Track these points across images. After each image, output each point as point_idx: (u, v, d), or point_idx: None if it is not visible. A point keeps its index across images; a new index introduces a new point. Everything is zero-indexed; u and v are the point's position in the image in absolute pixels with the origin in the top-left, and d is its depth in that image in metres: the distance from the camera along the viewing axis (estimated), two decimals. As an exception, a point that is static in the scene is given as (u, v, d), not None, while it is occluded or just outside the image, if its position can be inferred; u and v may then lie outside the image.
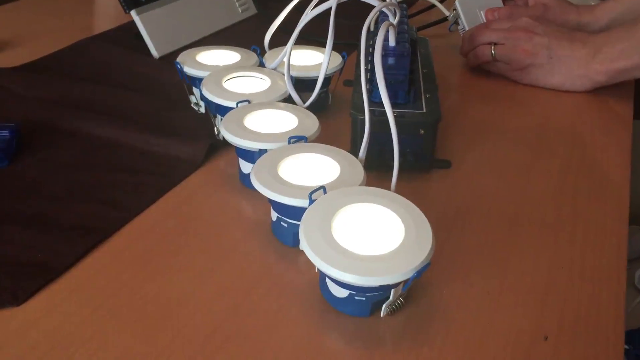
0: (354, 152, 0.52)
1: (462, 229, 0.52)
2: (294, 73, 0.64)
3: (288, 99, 0.61)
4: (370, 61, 0.59)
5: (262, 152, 0.51)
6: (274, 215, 0.49)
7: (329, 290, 0.42)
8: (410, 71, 0.58)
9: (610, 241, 0.51)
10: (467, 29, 0.88)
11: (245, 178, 0.56)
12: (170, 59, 0.82)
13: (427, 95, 0.60)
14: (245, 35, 0.92)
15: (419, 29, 0.94)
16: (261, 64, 0.69)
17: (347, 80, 0.76)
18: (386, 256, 0.39)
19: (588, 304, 0.44)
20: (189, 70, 0.66)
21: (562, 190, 0.58)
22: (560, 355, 0.40)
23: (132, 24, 0.84)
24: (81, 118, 0.65)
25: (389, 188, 0.46)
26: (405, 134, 0.55)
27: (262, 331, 0.41)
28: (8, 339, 0.39)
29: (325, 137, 0.54)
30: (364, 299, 0.41)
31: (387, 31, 0.54)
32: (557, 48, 0.76)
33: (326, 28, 0.58)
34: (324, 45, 0.60)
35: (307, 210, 0.42)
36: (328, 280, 0.42)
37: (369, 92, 0.57)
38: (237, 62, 0.69)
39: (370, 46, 0.61)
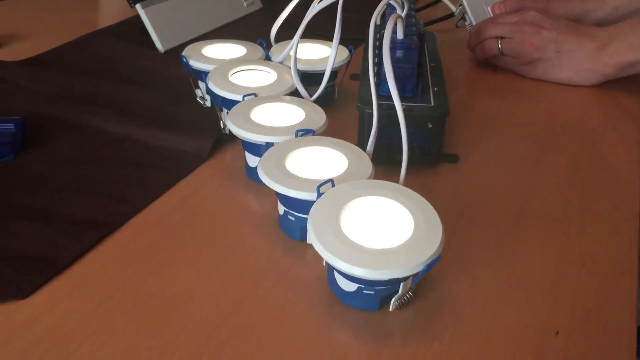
0: (361, 145, 0.52)
1: (470, 223, 0.51)
2: (300, 67, 0.64)
3: (294, 93, 0.61)
4: (377, 54, 0.58)
5: (268, 145, 0.51)
6: (281, 209, 0.48)
7: (337, 284, 0.42)
8: (417, 64, 0.57)
9: (621, 236, 0.50)
10: (474, 23, 0.87)
11: (251, 172, 0.55)
12: (175, 52, 0.82)
13: (435, 89, 0.60)
14: (251, 30, 0.92)
15: (426, 24, 0.94)
16: (267, 58, 0.68)
17: (353, 74, 0.76)
18: (395, 249, 0.38)
19: (599, 300, 0.44)
20: (194, 63, 0.66)
21: (571, 185, 0.57)
22: (571, 350, 0.40)
23: (137, 18, 0.84)
24: (86, 112, 0.65)
25: (396, 182, 0.46)
26: (413, 127, 0.55)
27: (269, 325, 0.40)
28: (13, 332, 0.39)
29: (331, 131, 0.54)
30: (372, 292, 0.41)
31: (395, 24, 0.53)
32: (565, 42, 0.75)
33: (332, 22, 0.57)
34: (329, 39, 0.60)
35: (315, 204, 0.42)
36: (336, 274, 0.42)
37: (377, 85, 0.57)
38: (243, 56, 0.68)
39: (378, 39, 0.60)
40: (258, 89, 0.59)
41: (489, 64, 0.83)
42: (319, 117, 0.54)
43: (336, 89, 0.71)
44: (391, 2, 0.57)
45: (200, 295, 0.43)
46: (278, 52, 0.67)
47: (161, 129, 0.61)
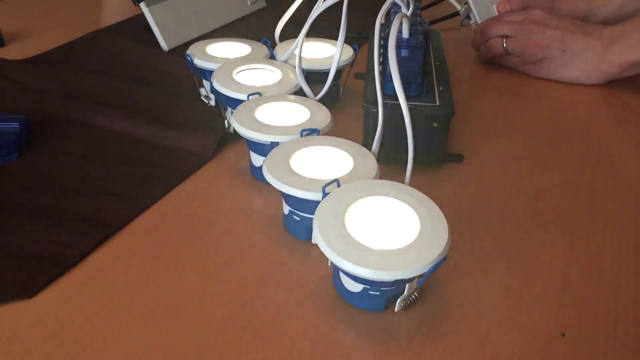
0: (366, 145, 0.51)
1: (476, 224, 0.51)
2: (305, 66, 0.64)
3: (299, 92, 0.61)
4: (383, 53, 0.58)
5: (273, 144, 0.51)
6: (286, 209, 0.48)
7: (343, 285, 0.42)
8: (423, 64, 0.57)
9: (629, 238, 0.50)
10: (479, 22, 0.87)
11: (256, 171, 0.55)
12: (179, 51, 0.81)
13: (440, 88, 0.59)
14: (255, 28, 0.92)
15: (431, 22, 0.93)
16: (272, 57, 0.68)
17: (358, 73, 0.76)
18: (401, 250, 0.38)
19: (607, 302, 0.43)
20: (199, 62, 0.66)
21: (578, 186, 0.57)
22: (577, 352, 0.39)
23: (142, 16, 0.84)
24: (91, 110, 0.65)
25: (402, 181, 0.46)
26: (418, 127, 0.54)
27: (274, 326, 0.40)
28: (19, 332, 0.39)
29: (336, 131, 0.54)
30: (378, 293, 0.41)
31: (401, 23, 0.53)
32: (570, 41, 0.75)
33: (336, 21, 0.57)
34: (333, 38, 0.60)
35: (320, 204, 0.42)
36: (342, 275, 0.42)
37: (382, 84, 0.57)
38: (247, 55, 0.68)
39: (383, 38, 0.60)
40: (263, 88, 0.59)
41: (494, 63, 0.83)
42: (324, 117, 0.54)
43: (340, 89, 0.70)
44: (396, 0, 0.56)
45: (205, 295, 0.43)
46: (283, 50, 0.67)
47: (166, 128, 0.61)
